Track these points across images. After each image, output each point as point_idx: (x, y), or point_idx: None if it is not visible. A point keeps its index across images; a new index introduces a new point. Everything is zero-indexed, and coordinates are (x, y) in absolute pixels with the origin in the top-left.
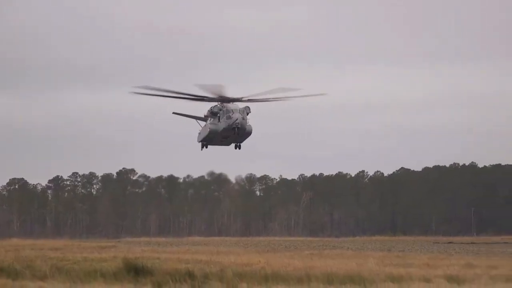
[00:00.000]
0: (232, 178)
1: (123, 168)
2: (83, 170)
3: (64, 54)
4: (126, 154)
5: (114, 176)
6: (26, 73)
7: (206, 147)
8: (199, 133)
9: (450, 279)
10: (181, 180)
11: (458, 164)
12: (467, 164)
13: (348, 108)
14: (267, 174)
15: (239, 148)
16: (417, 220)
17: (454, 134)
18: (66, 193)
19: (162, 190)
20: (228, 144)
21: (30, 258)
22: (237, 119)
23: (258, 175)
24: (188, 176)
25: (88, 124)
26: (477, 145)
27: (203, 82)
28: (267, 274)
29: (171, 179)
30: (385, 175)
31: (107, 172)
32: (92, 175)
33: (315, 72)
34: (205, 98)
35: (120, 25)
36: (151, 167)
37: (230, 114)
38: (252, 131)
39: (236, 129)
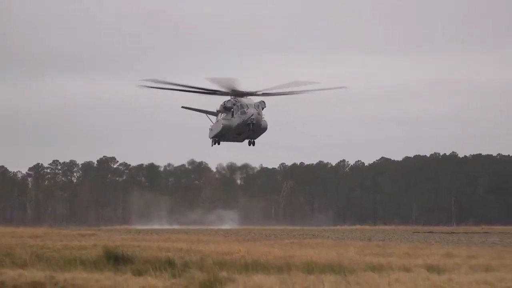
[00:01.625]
0: (212, 166)
1: (104, 156)
2: (64, 158)
3: (44, 41)
4: (107, 142)
5: (95, 164)
6: (6, 60)
7: (218, 144)
8: (211, 129)
9: (430, 268)
10: (161, 169)
11: (439, 154)
12: (448, 153)
13: (329, 97)
14: (248, 163)
15: (253, 145)
16: (397, 209)
17: (435, 123)
18: (46, 181)
19: (143, 178)
20: (241, 141)
21: (10, 246)
22: (252, 115)
23: (239, 163)
24: (169, 164)
25: (69, 112)
26: (458, 135)
27: (179, 70)
28: (247, 263)
29: (152, 167)
30: (365, 164)
31: (88, 160)
32: (72, 163)
33: (291, 61)
34: (217, 92)
35: (100, 11)
36: (132, 155)
37: (245, 109)
38: (268, 127)
39: (251, 125)
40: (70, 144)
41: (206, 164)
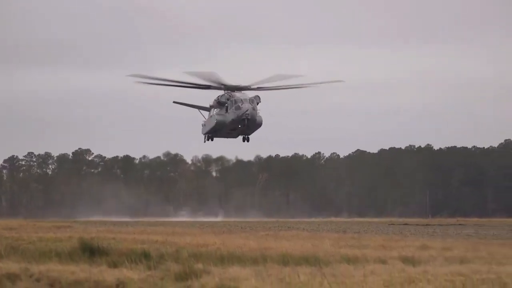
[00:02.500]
0: (188, 158)
1: (79, 148)
2: (39, 150)
3: (16, 32)
4: (82, 135)
5: (70, 156)
6: None
7: (212, 140)
8: (204, 125)
9: (405, 260)
10: (137, 161)
11: (414, 146)
12: (422, 146)
13: (305, 89)
14: (223, 155)
15: (247, 141)
16: (372, 202)
17: (410, 116)
18: (21, 173)
19: (118, 170)
20: (235, 137)
21: None
22: (247, 110)
23: (214, 156)
24: (144, 156)
25: (43, 104)
26: (433, 127)
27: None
28: (222, 255)
29: (127, 159)
30: (341, 156)
31: (63, 152)
32: (47, 155)
33: (269, 52)
34: (211, 87)
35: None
36: (107, 147)
37: (240, 104)
38: (263, 123)
39: (245, 121)
40: (45, 136)
41: (182, 156)
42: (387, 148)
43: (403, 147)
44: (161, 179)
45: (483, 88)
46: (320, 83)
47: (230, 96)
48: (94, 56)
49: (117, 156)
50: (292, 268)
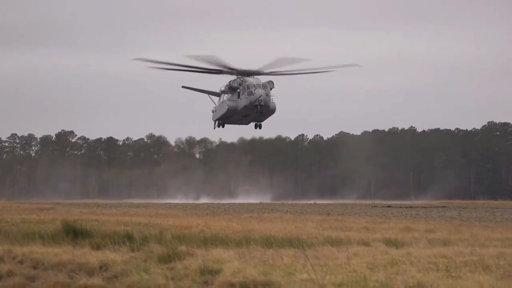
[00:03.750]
0: (171, 140)
1: (62, 130)
2: (22, 132)
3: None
4: (66, 116)
5: (53, 138)
6: None
7: (222, 126)
8: (214, 111)
9: (389, 242)
10: (120, 143)
11: (397, 128)
12: (406, 128)
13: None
14: (206, 137)
15: (260, 128)
16: (356, 183)
17: (392, 98)
18: (4, 155)
19: (101, 152)
20: (247, 123)
21: None
22: (260, 96)
23: (198, 138)
24: (128, 138)
25: (26, 85)
26: (415, 109)
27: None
28: (206, 237)
29: (111, 141)
30: (324, 138)
31: (46, 134)
32: (31, 136)
33: (247, 36)
34: (222, 72)
35: None
36: (91, 129)
37: (252, 90)
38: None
39: (258, 107)
40: (29, 118)
41: (165, 138)
42: (371, 131)
43: (386, 129)
44: (144, 161)
45: (467, 70)
46: (335, 67)
47: (242, 81)
48: (77, 38)
49: (100, 138)
50: (276, 250)
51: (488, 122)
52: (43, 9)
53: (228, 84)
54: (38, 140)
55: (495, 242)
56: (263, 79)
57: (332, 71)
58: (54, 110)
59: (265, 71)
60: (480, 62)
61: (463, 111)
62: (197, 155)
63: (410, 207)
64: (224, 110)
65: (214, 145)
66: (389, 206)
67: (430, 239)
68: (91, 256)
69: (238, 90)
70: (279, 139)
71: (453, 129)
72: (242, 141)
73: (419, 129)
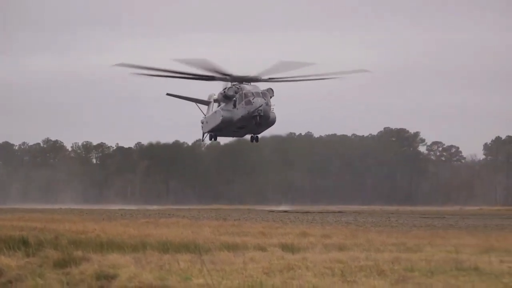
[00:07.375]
0: (68, 145)
1: None
2: None
3: None
4: None
5: None
6: None
7: (215, 139)
8: (205, 122)
9: (285, 247)
10: (16, 147)
11: (295, 133)
12: (303, 133)
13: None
14: (103, 142)
15: (256, 141)
16: (253, 188)
17: (289, 103)
18: None
19: None
20: (242, 136)
21: None
22: (260, 106)
23: (95, 143)
24: (24, 143)
25: None
26: (313, 115)
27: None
28: (102, 242)
29: (6, 145)
30: (221, 144)
31: None
32: None
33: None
34: (215, 78)
35: None
36: None
37: (251, 99)
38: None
39: (258, 118)
40: None
41: (62, 143)
42: (268, 137)
43: (284, 135)
44: (41, 166)
45: (365, 76)
46: (343, 73)
47: (238, 88)
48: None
49: None
50: (172, 255)
51: (384, 128)
52: None
53: (223, 92)
54: None
55: (390, 247)
56: (261, 86)
57: (338, 77)
58: None
59: (264, 77)
60: (382, 66)
61: (360, 117)
62: (94, 160)
63: (306, 212)
64: (217, 121)
65: (111, 149)
66: (285, 211)
67: (326, 244)
68: None
69: (234, 99)
70: (176, 144)
71: (349, 134)
72: (139, 146)
73: (316, 135)
